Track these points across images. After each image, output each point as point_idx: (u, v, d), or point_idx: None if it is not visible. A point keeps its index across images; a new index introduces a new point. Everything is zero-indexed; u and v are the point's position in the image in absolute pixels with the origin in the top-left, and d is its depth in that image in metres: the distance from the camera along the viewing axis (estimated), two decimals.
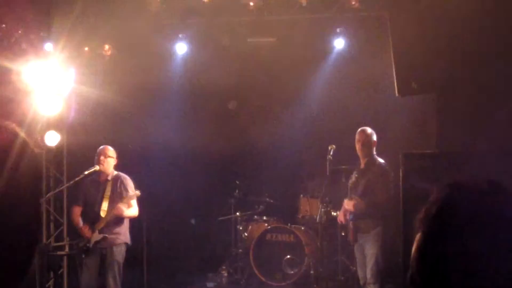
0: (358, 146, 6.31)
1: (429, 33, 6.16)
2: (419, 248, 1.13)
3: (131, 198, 6.30)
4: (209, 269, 8.74)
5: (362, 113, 8.18)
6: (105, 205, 6.29)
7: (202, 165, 9.29)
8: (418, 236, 1.13)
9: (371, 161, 6.23)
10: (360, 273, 6.33)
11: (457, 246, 1.07)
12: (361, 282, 6.29)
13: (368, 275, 6.09)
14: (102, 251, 6.30)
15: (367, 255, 6.14)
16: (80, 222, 6.43)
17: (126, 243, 6.41)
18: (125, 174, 6.54)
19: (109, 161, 6.42)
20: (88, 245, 6.27)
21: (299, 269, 7.95)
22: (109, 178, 6.44)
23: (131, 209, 6.38)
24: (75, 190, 6.73)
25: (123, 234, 6.39)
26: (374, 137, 6.31)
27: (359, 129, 6.36)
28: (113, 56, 8.16)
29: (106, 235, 6.24)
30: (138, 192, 6.35)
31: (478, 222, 1.08)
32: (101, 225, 6.25)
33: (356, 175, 6.33)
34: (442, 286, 1.08)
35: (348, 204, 6.21)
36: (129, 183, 6.45)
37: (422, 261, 1.12)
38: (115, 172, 6.51)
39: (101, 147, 6.51)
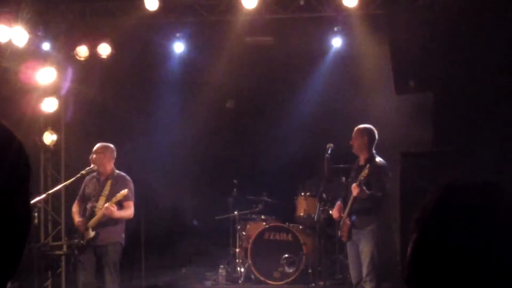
0: (356, 144, 6.27)
1: (426, 32, 6.17)
2: (414, 248, 1.13)
3: (116, 199, 6.14)
4: (207, 267, 8.74)
5: (360, 111, 8.17)
6: (100, 204, 6.23)
7: (200, 164, 9.29)
8: (413, 236, 1.14)
9: (370, 158, 6.20)
10: (352, 272, 6.27)
11: (452, 246, 1.07)
12: (354, 282, 6.24)
13: (364, 273, 6.05)
14: (96, 250, 6.26)
15: (362, 252, 6.10)
16: (76, 217, 6.41)
17: (120, 243, 6.37)
18: (128, 177, 6.47)
19: (98, 158, 6.35)
20: (82, 242, 6.24)
21: (297, 268, 7.96)
22: (110, 177, 6.39)
23: (125, 210, 6.28)
24: (75, 187, 6.70)
25: (117, 233, 6.32)
26: (374, 135, 6.27)
27: (358, 127, 6.32)
28: (111, 56, 8.14)
29: (99, 232, 6.18)
30: (124, 192, 6.16)
31: (473, 222, 1.08)
32: (94, 223, 6.21)
33: (354, 173, 6.29)
34: (438, 286, 1.09)
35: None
36: (128, 186, 6.36)
37: (418, 261, 1.12)
38: (117, 172, 6.45)
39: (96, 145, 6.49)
